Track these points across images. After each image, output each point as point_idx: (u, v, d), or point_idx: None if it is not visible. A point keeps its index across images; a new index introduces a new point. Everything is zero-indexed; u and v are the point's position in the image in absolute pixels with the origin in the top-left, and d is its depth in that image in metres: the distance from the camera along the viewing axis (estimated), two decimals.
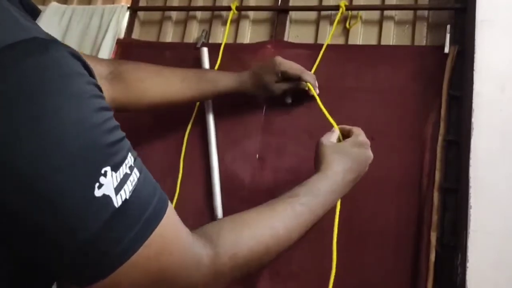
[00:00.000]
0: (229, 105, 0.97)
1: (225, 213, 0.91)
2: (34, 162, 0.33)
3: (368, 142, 0.69)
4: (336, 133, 0.71)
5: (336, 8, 0.98)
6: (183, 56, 1.06)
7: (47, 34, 0.37)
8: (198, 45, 1.06)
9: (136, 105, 0.81)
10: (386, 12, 0.99)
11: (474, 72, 0.78)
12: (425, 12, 0.97)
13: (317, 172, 0.64)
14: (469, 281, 0.69)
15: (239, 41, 1.08)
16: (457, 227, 0.78)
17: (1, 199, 0.33)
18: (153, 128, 1.03)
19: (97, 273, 0.37)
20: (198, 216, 0.94)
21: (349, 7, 0.98)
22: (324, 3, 1.05)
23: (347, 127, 0.72)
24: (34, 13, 0.42)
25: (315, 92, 0.85)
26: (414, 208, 0.82)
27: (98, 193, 0.35)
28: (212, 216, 0.91)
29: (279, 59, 0.87)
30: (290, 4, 1.06)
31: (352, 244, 0.79)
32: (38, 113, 0.33)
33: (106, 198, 0.35)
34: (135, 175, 0.39)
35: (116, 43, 1.10)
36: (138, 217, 0.38)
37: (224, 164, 0.95)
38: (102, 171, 0.35)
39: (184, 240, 0.44)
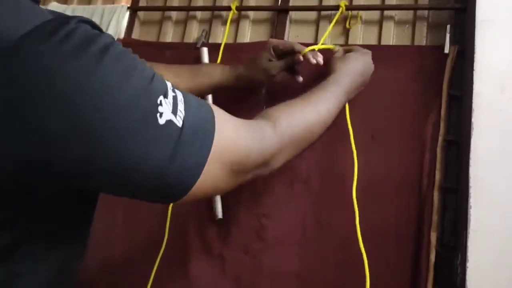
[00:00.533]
0: (230, 102, 0.96)
1: (225, 214, 0.91)
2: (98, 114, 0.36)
3: (369, 51, 0.83)
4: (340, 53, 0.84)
5: (336, 8, 0.98)
6: (183, 56, 1.06)
7: (55, 12, 0.40)
8: (198, 45, 1.06)
9: None
10: (386, 12, 0.99)
11: (474, 72, 0.78)
12: (425, 12, 0.97)
13: (333, 73, 0.76)
14: (469, 281, 0.69)
15: (239, 41, 1.08)
16: (457, 227, 0.78)
17: (87, 156, 0.37)
18: None
19: (182, 189, 0.43)
20: (198, 217, 0.94)
21: (349, 7, 0.98)
22: (324, 3, 1.05)
23: (347, 47, 0.85)
24: (36, 1, 0.44)
25: (309, 48, 0.84)
26: (414, 208, 0.82)
27: (161, 121, 0.39)
28: (212, 217, 0.91)
29: (270, 39, 0.90)
30: (290, 4, 1.06)
31: (352, 244, 0.79)
32: (91, 80, 0.36)
33: (169, 122, 0.40)
34: (179, 94, 0.43)
35: None
36: (199, 125, 0.43)
37: None
38: (158, 101, 0.40)
39: (243, 126, 0.52)
